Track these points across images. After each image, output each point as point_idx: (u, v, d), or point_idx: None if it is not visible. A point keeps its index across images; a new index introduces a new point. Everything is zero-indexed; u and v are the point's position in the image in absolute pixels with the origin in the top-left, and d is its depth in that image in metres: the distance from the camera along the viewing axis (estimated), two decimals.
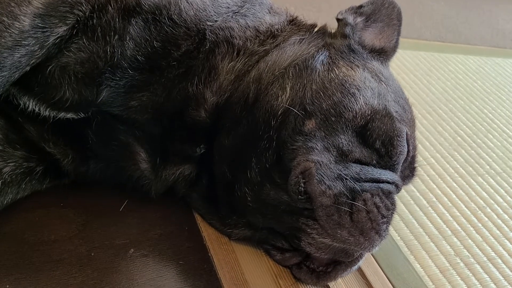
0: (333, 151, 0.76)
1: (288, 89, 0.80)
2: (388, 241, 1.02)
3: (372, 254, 0.97)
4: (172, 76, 0.80)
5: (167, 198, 0.89)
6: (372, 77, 0.86)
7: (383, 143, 0.79)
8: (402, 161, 0.82)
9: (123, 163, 0.84)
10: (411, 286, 0.94)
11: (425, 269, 1.00)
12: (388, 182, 0.79)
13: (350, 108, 0.79)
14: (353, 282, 0.91)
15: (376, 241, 0.75)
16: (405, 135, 0.81)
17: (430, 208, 1.18)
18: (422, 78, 1.82)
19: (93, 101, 0.76)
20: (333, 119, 0.78)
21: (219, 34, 0.82)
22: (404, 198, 1.18)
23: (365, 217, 0.73)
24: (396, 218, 1.09)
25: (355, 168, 0.77)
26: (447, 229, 1.14)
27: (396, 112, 0.84)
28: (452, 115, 1.64)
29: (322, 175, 0.74)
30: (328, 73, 0.82)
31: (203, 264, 0.84)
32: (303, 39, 0.89)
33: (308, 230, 0.76)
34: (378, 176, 0.78)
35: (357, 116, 0.79)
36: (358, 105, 0.79)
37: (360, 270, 0.93)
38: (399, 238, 1.06)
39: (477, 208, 1.24)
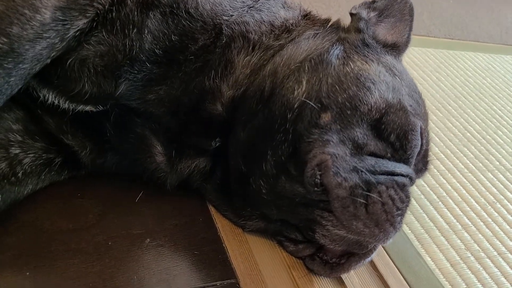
0: (349, 144, 0.77)
1: (304, 82, 0.81)
2: (400, 235, 1.03)
3: (383, 247, 0.98)
4: (189, 70, 0.81)
5: (181, 190, 0.90)
6: (386, 71, 0.87)
7: (398, 136, 0.80)
8: (416, 154, 0.83)
9: (139, 156, 0.85)
10: (422, 279, 0.95)
11: (436, 263, 1.01)
12: (402, 175, 0.80)
13: (366, 101, 0.79)
14: (365, 275, 0.92)
15: (391, 233, 0.76)
16: (419, 129, 0.82)
17: (440, 203, 1.19)
18: (431, 74, 1.82)
19: (112, 94, 0.78)
20: (348, 112, 0.79)
21: (235, 28, 0.83)
22: (415, 192, 1.19)
23: (380, 209, 0.74)
24: (407, 212, 1.10)
25: (370, 161, 0.78)
26: (458, 223, 1.14)
27: (410, 106, 0.85)
28: (462, 112, 1.65)
29: (338, 168, 0.74)
30: (343, 67, 0.83)
31: (217, 254, 0.85)
32: (318, 33, 0.90)
33: (323, 222, 0.77)
34: (393, 169, 0.79)
35: (372, 109, 0.79)
36: (373, 98, 0.80)
37: (372, 263, 0.94)
38: (410, 231, 1.06)
39: (487, 203, 1.24)
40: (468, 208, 1.20)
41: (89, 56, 0.75)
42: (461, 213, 1.18)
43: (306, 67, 0.82)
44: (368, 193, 0.74)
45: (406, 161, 0.82)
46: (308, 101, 0.78)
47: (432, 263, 1.01)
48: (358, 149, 0.78)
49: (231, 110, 0.83)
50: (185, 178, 0.89)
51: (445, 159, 1.37)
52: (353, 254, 0.83)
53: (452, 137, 1.48)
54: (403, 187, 0.79)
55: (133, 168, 0.87)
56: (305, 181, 0.76)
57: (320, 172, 0.75)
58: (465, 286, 0.98)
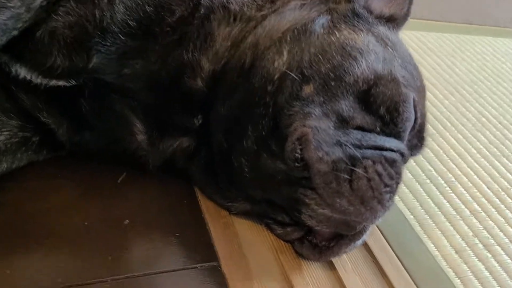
0: (332, 116, 0.72)
1: (285, 53, 0.76)
2: (399, 219, 0.97)
3: (380, 231, 0.92)
4: (166, 43, 0.77)
5: (166, 171, 0.87)
6: (377, 41, 0.81)
7: (388, 109, 0.75)
8: (409, 128, 0.77)
9: (119, 134, 0.82)
10: (423, 265, 0.88)
11: (439, 249, 0.94)
12: (392, 150, 0.74)
13: (351, 71, 0.74)
14: (359, 260, 0.86)
15: (379, 211, 0.70)
16: (411, 101, 0.76)
17: (448, 188, 1.12)
18: (445, 59, 1.75)
19: (84, 68, 0.75)
20: (332, 83, 0.74)
21: None
22: (420, 177, 1.13)
23: (366, 185, 0.69)
24: (409, 196, 1.04)
25: (356, 135, 0.73)
26: (466, 209, 1.07)
27: (403, 77, 0.79)
28: (477, 96, 1.57)
29: (319, 141, 0.70)
30: (328, 36, 0.78)
31: (200, 237, 0.81)
32: (304, 4, 0.85)
33: (307, 200, 0.72)
34: (382, 143, 0.73)
35: (359, 80, 0.74)
36: (360, 68, 0.75)
37: (367, 247, 0.88)
38: (412, 217, 1.00)
39: (500, 189, 1.16)
40: (479, 194, 1.13)
41: (58, 27, 0.72)
42: (471, 199, 1.11)
43: (288, 37, 0.78)
44: (352, 168, 0.69)
45: (397, 136, 0.76)
46: (289, 72, 0.74)
47: (435, 249, 0.94)
48: (343, 123, 0.73)
49: (211, 84, 0.80)
50: (169, 159, 0.86)
51: (456, 144, 1.29)
52: (342, 236, 0.78)
53: (465, 122, 1.41)
54: (392, 163, 0.73)
55: (114, 148, 0.84)
56: (285, 157, 0.71)
57: (300, 146, 0.70)
58: (471, 273, 0.91)
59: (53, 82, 0.76)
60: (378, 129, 0.75)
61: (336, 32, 0.78)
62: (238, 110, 0.78)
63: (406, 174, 1.12)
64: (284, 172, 0.73)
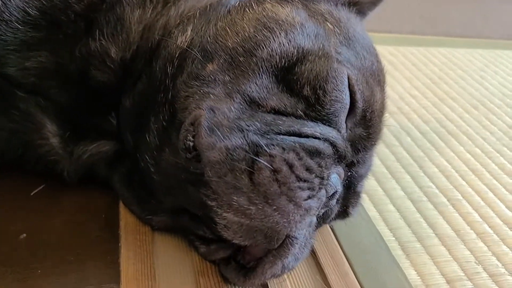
0: (237, 97, 0.59)
1: (189, 29, 0.65)
2: (373, 240, 0.78)
3: (343, 252, 0.74)
4: (72, 32, 0.69)
5: (88, 181, 0.77)
6: (310, 16, 0.68)
7: (313, 87, 0.60)
8: (342, 112, 0.61)
9: (29, 137, 0.74)
10: None
11: (422, 277, 0.74)
12: (316, 138, 0.59)
13: (265, 44, 0.61)
14: (306, 280, 0.68)
15: (293, 213, 0.54)
16: (344, 78, 0.61)
17: (450, 206, 0.91)
18: (473, 73, 1.54)
19: None
20: (241, 58, 0.61)
21: None
22: (415, 194, 0.93)
23: (269, 178, 0.53)
24: (394, 215, 0.86)
25: (267, 118, 0.58)
26: (471, 231, 0.86)
27: (339, 53, 0.64)
28: (508, 110, 1.34)
29: (212, 125, 0.56)
30: (243, 10, 0.66)
31: (106, 255, 0.68)
32: None
33: (209, 202, 0.58)
34: (300, 128, 0.58)
35: (275, 54, 0.61)
36: (277, 41, 0.61)
37: (321, 271, 0.71)
38: (393, 238, 0.81)
39: None
40: (493, 214, 0.91)
41: None
42: (481, 220, 0.89)
43: (198, 13, 0.67)
44: (253, 157, 0.54)
45: (328, 122, 0.61)
46: (189, 49, 0.62)
47: (418, 277, 0.74)
48: (252, 105, 0.59)
49: (121, 76, 0.70)
50: (89, 166, 0.75)
51: (472, 159, 1.08)
52: (267, 254, 0.61)
53: (488, 136, 1.19)
54: (314, 153, 0.57)
55: (28, 155, 0.75)
56: (178, 146, 0.58)
57: (193, 133, 0.57)
58: None
59: None
60: (300, 112, 0.60)
61: (254, 5, 0.66)
62: (141, 100, 0.67)
63: (396, 191, 0.93)
64: (185, 168, 0.60)
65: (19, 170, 0.78)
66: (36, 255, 0.66)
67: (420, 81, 1.43)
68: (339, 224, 0.77)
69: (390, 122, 1.13)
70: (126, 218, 0.75)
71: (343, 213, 0.70)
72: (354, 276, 0.71)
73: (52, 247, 0.68)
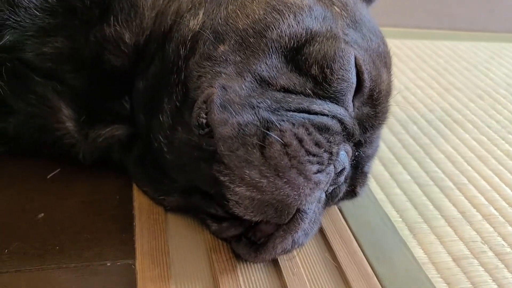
0: (248, 76, 0.61)
1: (201, 13, 0.67)
2: (380, 220, 0.80)
3: (350, 229, 0.76)
4: (88, 18, 0.71)
5: (102, 164, 0.79)
6: (317, 0, 0.70)
7: (321, 67, 0.62)
8: (348, 91, 0.63)
9: (45, 121, 0.76)
10: (402, 273, 0.70)
11: (430, 256, 0.75)
12: (324, 115, 0.60)
13: (275, 26, 0.63)
14: (316, 263, 0.70)
15: (303, 186, 0.56)
16: (351, 58, 0.63)
17: (456, 190, 0.93)
18: (478, 65, 1.55)
19: None
20: (251, 40, 0.63)
21: None
22: (421, 178, 0.94)
23: (280, 151, 0.55)
24: (401, 198, 0.88)
25: (277, 95, 0.60)
26: (478, 213, 0.87)
27: (346, 34, 0.66)
28: None
29: (225, 101, 0.58)
30: None
31: (122, 233, 0.70)
32: None
33: (221, 178, 0.60)
34: (308, 105, 0.60)
35: (284, 35, 0.63)
36: (286, 23, 0.64)
37: (329, 247, 0.73)
38: (400, 219, 0.82)
39: None
40: (499, 197, 0.92)
41: None
42: (486, 203, 0.91)
43: None
44: (265, 131, 0.56)
45: (335, 100, 0.63)
46: (201, 31, 0.64)
47: (425, 255, 0.75)
48: (263, 83, 0.61)
49: (135, 60, 0.72)
50: (104, 150, 0.78)
51: (477, 146, 1.09)
52: (278, 229, 0.63)
53: (494, 124, 1.20)
54: (323, 129, 0.59)
55: (43, 138, 0.78)
56: (192, 123, 0.61)
57: (206, 110, 0.59)
58: (470, 284, 0.71)
59: None
60: (308, 91, 0.62)
61: None
62: (154, 82, 0.69)
63: (402, 176, 0.94)
64: (198, 146, 0.62)
65: (36, 154, 0.81)
66: (54, 233, 0.69)
67: (425, 72, 1.45)
68: (346, 205, 0.79)
69: (396, 110, 1.14)
70: (139, 199, 0.77)
71: (351, 193, 0.72)
72: (362, 254, 0.73)
73: (69, 225, 0.71)
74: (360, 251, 0.73)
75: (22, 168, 0.80)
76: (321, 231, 0.75)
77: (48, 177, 0.79)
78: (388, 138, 1.07)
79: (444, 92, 1.34)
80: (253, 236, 0.67)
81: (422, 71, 1.45)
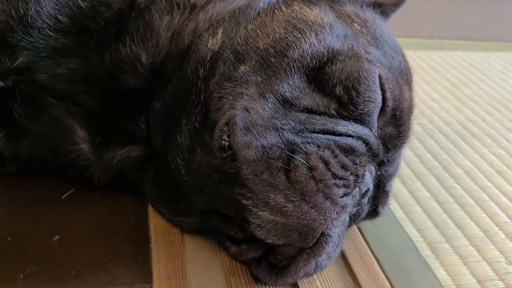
0: (270, 97, 0.60)
1: (220, 32, 0.66)
2: (401, 240, 0.78)
3: (371, 250, 0.74)
4: (103, 39, 0.71)
5: (117, 185, 0.78)
6: (338, 17, 0.68)
7: (346, 88, 0.61)
8: (375, 111, 0.62)
9: (59, 142, 0.75)
10: None
11: (453, 277, 0.73)
12: (349, 136, 0.59)
13: (296, 45, 0.62)
14: (336, 281, 0.68)
15: (329, 210, 0.54)
16: (376, 78, 0.62)
17: (477, 207, 0.91)
18: (493, 76, 1.53)
19: (10, 68, 0.69)
20: (272, 60, 0.62)
21: None
22: (441, 195, 0.92)
23: (306, 175, 0.54)
24: (421, 216, 0.86)
25: (300, 117, 0.59)
26: (500, 232, 0.85)
27: (368, 52, 0.65)
28: None
29: (247, 123, 0.57)
30: (272, 12, 0.67)
31: (138, 255, 0.69)
32: None
33: (244, 201, 0.58)
34: (333, 126, 0.59)
35: (307, 55, 0.62)
36: (308, 42, 0.62)
37: (349, 269, 0.71)
38: (421, 239, 0.80)
39: None
40: None
41: None
42: (509, 220, 0.88)
43: (227, 17, 0.68)
44: (290, 155, 0.55)
45: (361, 121, 0.61)
46: (221, 51, 0.63)
47: (448, 277, 0.73)
48: (285, 104, 0.60)
49: (151, 80, 0.71)
50: (118, 171, 0.76)
51: (497, 160, 1.07)
52: (301, 252, 0.62)
53: (511, 137, 1.18)
54: (349, 151, 0.58)
55: (57, 160, 0.77)
56: (213, 146, 0.59)
57: (228, 132, 0.58)
58: None
59: None
60: (333, 111, 0.61)
61: (283, 7, 0.67)
62: (172, 102, 0.68)
63: (422, 193, 0.92)
64: (218, 168, 0.61)
65: (50, 174, 0.80)
66: (69, 256, 0.67)
67: (440, 84, 1.43)
68: (366, 225, 0.77)
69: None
70: (155, 220, 0.75)
71: (373, 213, 0.70)
72: (384, 276, 0.71)
73: (84, 248, 0.69)
74: (382, 272, 0.71)
75: (36, 189, 0.79)
76: (342, 253, 0.73)
77: (62, 197, 0.78)
78: (406, 153, 1.04)
79: (460, 104, 1.32)
80: (273, 259, 0.66)
81: (437, 83, 1.43)
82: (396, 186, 0.92)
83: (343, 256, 0.73)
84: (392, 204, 0.87)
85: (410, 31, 1.76)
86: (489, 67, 1.60)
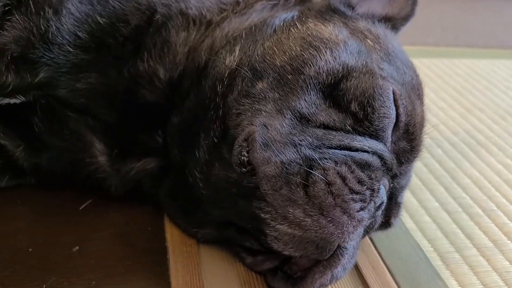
0: (287, 113, 0.61)
1: (237, 49, 0.68)
2: (412, 250, 0.80)
3: (383, 261, 0.75)
4: (121, 54, 0.72)
5: (133, 197, 0.79)
6: (351, 34, 0.70)
7: (361, 104, 0.62)
8: (389, 127, 0.63)
9: (78, 155, 0.76)
10: None
11: (463, 287, 0.75)
12: (365, 151, 0.61)
13: (312, 62, 0.64)
14: None
15: (346, 224, 0.56)
16: (390, 94, 0.63)
17: (486, 217, 0.92)
18: (498, 84, 1.55)
19: (31, 83, 0.71)
20: (289, 77, 0.63)
21: (171, 5, 0.74)
22: (449, 205, 0.94)
23: (324, 190, 0.56)
24: (431, 226, 0.87)
25: (317, 132, 0.60)
26: (509, 242, 0.87)
27: (382, 69, 0.67)
28: None
29: (266, 140, 0.59)
30: (288, 29, 0.68)
31: (155, 266, 0.71)
32: (276, 4, 0.77)
33: (262, 215, 0.60)
34: (349, 142, 0.60)
35: (322, 72, 0.63)
36: (323, 59, 0.64)
37: (363, 280, 0.72)
38: (431, 249, 0.82)
39: None
40: None
41: (6, 43, 0.70)
42: None
43: (244, 33, 0.70)
44: (308, 170, 0.56)
45: (375, 136, 0.63)
46: (238, 68, 0.65)
47: (459, 287, 0.75)
48: (302, 120, 0.62)
49: (169, 95, 0.72)
50: (135, 183, 0.78)
51: (503, 169, 1.09)
52: (317, 263, 0.63)
53: None
54: (365, 166, 0.59)
55: (76, 172, 0.78)
56: (232, 161, 0.61)
57: (248, 148, 0.60)
58: None
59: (5, 101, 0.73)
60: (348, 127, 0.62)
61: (298, 24, 0.69)
62: (190, 117, 0.70)
63: (431, 202, 0.94)
64: (237, 183, 0.62)
65: (68, 186, 0.81)
66: (89, 266, 0.69)
67: (446, 92, 1.44)
68: (378, 236, 0.79)
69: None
70: (171, 231, 0.77)
71: (385, 224, 0.72)
72: (396, 287, 0.72)
73: (103, 258, 0.71)
74: (394, 283, 0.73)
75: (54, 200, 0.81)
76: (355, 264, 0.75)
77: (80, 208, 0.79)
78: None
79: (466, 113, 1.33)
80: (289, 270, 0.67)
81: (443, 91, 1.45)
82: (405, 195, 0.94)
83: (355, 266, 0.75)
84: (403, 214, 0.88)
85: (415, 38, 1.78)
86: (494, 75, 1.62)
